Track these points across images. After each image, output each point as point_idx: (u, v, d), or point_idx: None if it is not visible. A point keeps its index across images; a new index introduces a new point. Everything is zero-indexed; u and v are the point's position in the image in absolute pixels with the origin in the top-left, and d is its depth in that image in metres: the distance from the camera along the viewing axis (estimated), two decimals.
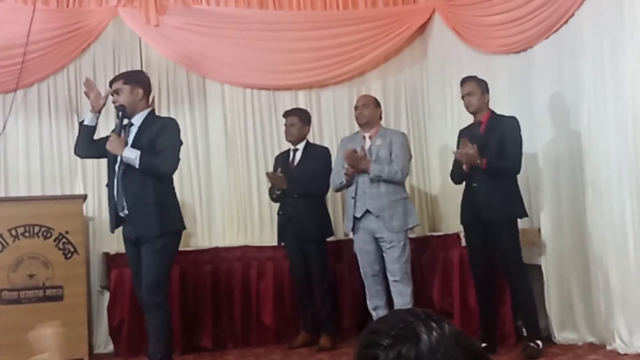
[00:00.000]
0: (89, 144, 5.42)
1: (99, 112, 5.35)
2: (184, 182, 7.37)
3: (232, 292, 6.90)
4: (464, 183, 6.03)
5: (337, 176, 6.39)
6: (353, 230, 6.26)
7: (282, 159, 6.92)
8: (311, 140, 7.47)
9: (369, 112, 6.40)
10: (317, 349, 6.48)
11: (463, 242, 6.25)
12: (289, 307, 6.97)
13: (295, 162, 6.80)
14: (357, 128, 7.59)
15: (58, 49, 7.10)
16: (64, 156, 7.17)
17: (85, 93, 5.42)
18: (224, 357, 6.49)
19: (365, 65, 7.87)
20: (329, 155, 6.86)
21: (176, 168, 5.30)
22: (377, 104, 6.52)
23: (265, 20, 7.67)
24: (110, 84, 5.37)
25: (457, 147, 6.00)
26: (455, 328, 1.37)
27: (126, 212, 5.16)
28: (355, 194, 6.21)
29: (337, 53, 7.79)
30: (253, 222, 7.42)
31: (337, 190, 6.63)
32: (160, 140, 5.16)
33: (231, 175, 7.49)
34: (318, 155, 6.81)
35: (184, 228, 5.43)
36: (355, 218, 6.21)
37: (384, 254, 6.17)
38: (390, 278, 6.14)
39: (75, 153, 5.66)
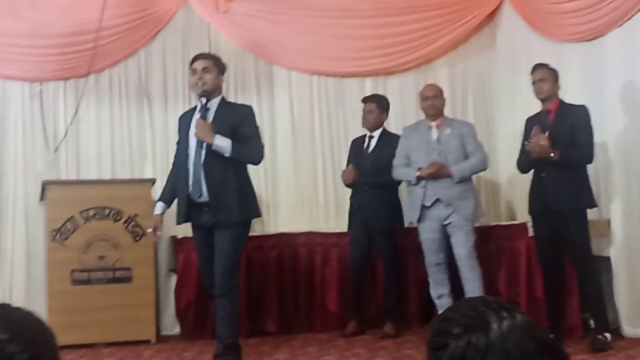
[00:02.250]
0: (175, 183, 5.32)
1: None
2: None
3: (297, 278, 6.94)
4: (531, 172, 5.96)
5: (403, 170, 6.36)
6: (419, 219, 6.24)
7: (357, 145, 6.91)
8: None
9: (439, 103, 6.37)
10: (382, 336, 6.48)
11: (531, 232, 6.18)
12: None
13: (370, 149, 6.78)
14: (423, 116, 7.59)
15: (129, 34, 7.21)
16: (133, 140, 7.29)
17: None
18: (289, 341, 6.53)
19: (432, 53, 7.82)
20: None
21: (263, 157, 5.31)
22: (442, 93, 6.49)
23: (334, 7, 7.67)
24: (196, 58, 5.27)
25: (524, 135, 5.93)
26: (527, 318, 1.37)
27: (205, 198, 5.08)
28: (426, 182, 6.18)
29: (404, 40, 7.75)
30: (318, 208, 7.44)
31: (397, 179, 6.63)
32: (244, 129, 5.14)
33: (297, 161, 7.52)
34: (393, 144, 6.75)
35: (261, 215, 5.46)
36: (423, 207, 6.19)
37: (452, 240, 6.15)
38: (459, 263, 6.12)
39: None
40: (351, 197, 6.83)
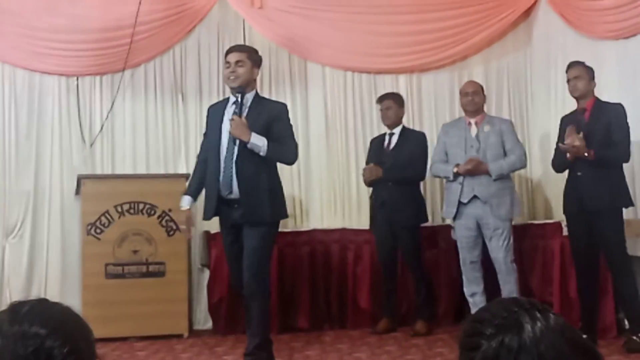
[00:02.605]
0: (204, 176, 5.27)
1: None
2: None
3: (329, 274, 6.95)
4: (566, 171, 5.91)
5: (440, 166, 6.36)
6: (456, 216, 6.22)
7: (377, 143, 6.90)
8: (410, 126, 7.45)
9: (479, 99, 6.35)
10: (413, 334, 6.47)
11: (565, 232, 6.13)
12: None
13: (391, 146, 6.77)
14: (457, 114, 7.55)
15: (165, 30, 7.25)
16: (168, 135, 7.34)
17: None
18: (320, 338, 6.54)
19: (467, 50, 7.78)
20: (426, 141, 6.82)
21: (297, 156, 5.26)
22: (483, 90, 6.48)
23: (369, 3, 7.66)
24: (231, 50, 5.21)
25: (560, 134, 5.88)
26: (560, 319, 1.36)
27: (236, 195, 5.00)
28: (463, 179, 6.16)
29: (439, 37, 7.72)
30: (351, 205, 7.44)
31: (436, 177, 6.63)
32: (279, 127, 5.07)
33: (330, 157, 7.52)
34: (414, 140, 6.76)
35: (288, 216, 5.42)
36: (460, 203, 6.17)
37: (488, 242, 6.13)
38: (496, 266, 6.11)
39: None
40: (372, 195, 6.82)
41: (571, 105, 6.05)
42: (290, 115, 7.32)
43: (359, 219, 7.41)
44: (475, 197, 6.13)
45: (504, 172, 6.15)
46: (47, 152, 7.08)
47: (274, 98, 7.42)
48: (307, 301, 6.87)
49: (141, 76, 7.32)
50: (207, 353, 5.97)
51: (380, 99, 6.92)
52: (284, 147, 5.06)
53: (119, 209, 6.48)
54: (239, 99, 5.04)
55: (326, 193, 7.52)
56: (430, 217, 7.48)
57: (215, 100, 7.26)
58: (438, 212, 7.52)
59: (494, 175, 6.09)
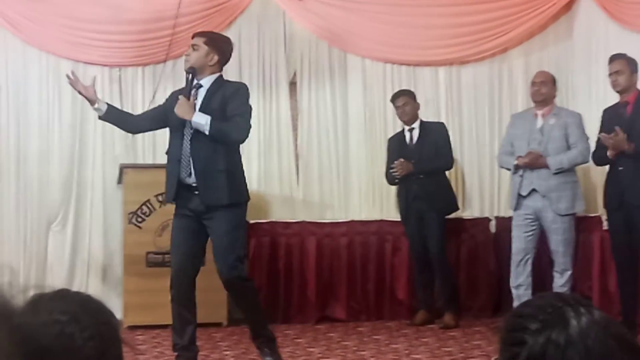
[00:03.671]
0: (129, 121, 5.25)
1: (96, 100, 5.01)
2: (322, 155, 7.49)
3: (367, 266, 6.97)
4: (607, 165, 5.87)
5: (504, 157, 6.33)
6: (515, 207, 6.18)
7: (397, 141, 6.90)
8: (449, 119, 7.45)
9: (546, 90, 6.23)
10: (442, 327, 6.48)
11: (605, 226, 6.09)
12: None
13: (414, 141, 6.77)
14: (497, 107, 7.53)
15: (206, 21, 7.30)
16: None
17: (72, 86, 5.10)
18: (357, 328, 6.57)
19: (507, 43, 7.73)
20: (446, 130, 6.87)
21: (247, 135, 4.94)
22: (554, 81, 6.35)
23: None
24: (193, 36, 5.08)
25: (601, 127, 5.85)
26: (604, 314, 1.36)
27: (193, 179, 4.81)
28: (523, 171, 6.12)
29: (479, 29, 7.69)
30: (390, 196, 7.43)
31: (502, 168, 6.67)
32: (232, 105, 4.85)
33: (369, 149, 7.53)
34: (436, 132, 6.78)
35: (249, 199, 5.16)
36: (519, 196, 6.13)
37: (547, 235, 6.10)
38: (555, 260, 6.09)
39: (131, 133, 5.51)
40: (400, 190, 6.82)
41: (613, 97, 6.01)
42: (330, 107, 7.50)
43: (397, 210, 7.41)
44: (534, 190, 6.07)
45: (564, 167, 6.04)
46: (90, 141, 7.17)
47: (313, 90, 7.51)
48: (344, 292, 6.91)
49: (182, 67, 7.30)
50: (245, 342, 6.01)
51: (396, 97, 6.90)
52: (230, 124, 4.81)
53: (160, 198, 6.55)
54: (188, 81, 4.88)
55: (365, 184, 7.53)
56: (468, 209, 7.50)
57: (254, 91, 7.31)
58: (477, 203, 7.52)
59: (553, 169, 6.01)
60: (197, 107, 4.83)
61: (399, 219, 7.08)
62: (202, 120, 4.73)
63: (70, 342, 1.19)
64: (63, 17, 7.14)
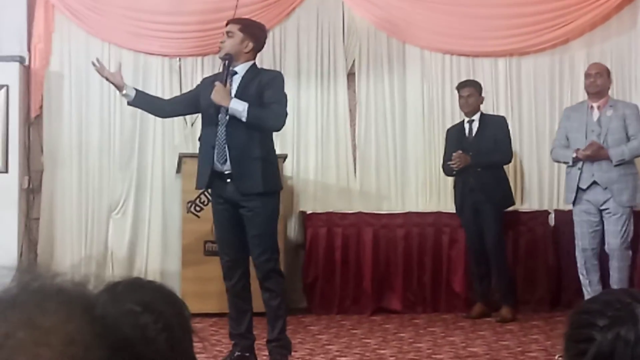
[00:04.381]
0: (159, 105, 5.22)
1: (123, 86, 4.99)
2: (380, 146, 7.47)
3: (423, 257, 6.94)
4: None
5: (560, 151, 6.24)
6: (575, 201, 6.08)
7: (456, 132, 6.85)
8: (509, 111, 7.38)
9: (602, 82, 6.15)
10: (499, 320, 6.43)
11: None
12: None
13: (474, 133, 6.71)
14: (557, 98, 7.43)
15: (265, 12, 7.32)
16: None
17: (99, 73, 5.10)
18: (413, 320, 6.56)
19: (569, 33, 7.61)
20: (507, 124, 6.81)
21: (284, 123, 4.88)
22: (609, 73, 6.28)
23: None
24: (227, 23, 5.01)
25: None
26: None
27: (228, 166, 4.75)
28: (582, 164, 6.02)
29: (540, 20, 7.58)
30: (447, 189, 7.39)
31: (556, 162, 6.59)
32: (268, 93, 4.78)
33: (427, 140, 7.49)
34: (496, 125, 6.72)
35: (282, 188, 5.10)
36: (579, 189, 6.04)
37: (606, 228, 6.00)
38: (609, 252, 5.98)
39: (161, 117, 5.50)
40: (456, 182, 6.79)
41: None
42: (388, 97, 7.47)
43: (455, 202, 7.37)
44: (594, 182, 5.98)
45: (626, 158, 5.96)
46: (150, 131, 7.26)
47: (371, 81, 7.48)
48: (400, 284, 6.89)
49: None
50: (301, 332, 6.06)
51: (462, 86, 6.85)
52: (267, 111, 4.75)
53: None
54: (225, 68, 4.81)
55: (422, 176, 7.49)
56: (527, 202, 7.42)
57: (313, 81, 7.40)
58: (536, 196, 7.43)
59: (615, 160, 5.92)
60: (233, 94, 4.77)
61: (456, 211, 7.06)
62: (239, 107, 4.66)
63: (144, 333, 1.22)
64: (125, 8, 7.25)
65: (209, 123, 4.86)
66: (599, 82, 6.13)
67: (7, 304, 0.80)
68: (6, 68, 6.97)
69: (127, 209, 7.23)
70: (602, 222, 6.03)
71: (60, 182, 7.22)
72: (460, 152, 6.56)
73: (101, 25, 7.26)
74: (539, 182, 7.52)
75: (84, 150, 7.23)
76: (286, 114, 4.85)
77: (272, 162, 4.89)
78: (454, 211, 7.00)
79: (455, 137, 6.80)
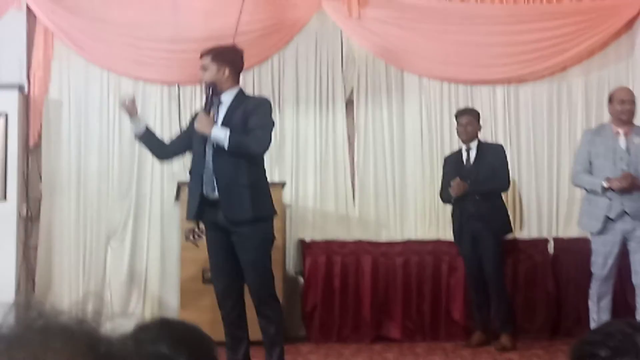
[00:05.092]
0: (162, 148, 5.20)
1: (136, 115, 5.07)
2: (378, 173, 7.48)
3: (423, 285, 6.92)
4: None
5: (586, 178, 5.96)
6: (603, 230, 5.87)
7: (453, 160, 6.84)
8: (507, 138, 7.40)
9: (634, 108, 5.98)
10: (499, 349, 6.39)
11: None
12: None
13: (472, 161, 6.71)
14: (555, 126, 7.44)
15: (263, 40, 7.36)
16: None
17: (125, 108, 5.11)
18: (412, 349, 6.53)
19: (567, 61, 7.65)
20: (504, 152, 6.78)
21: (267, 148, 4.91)
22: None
23: (466, 13, 7.62)
24: (201, 56, 5.04)
25: None
26: None
27: (216, 194, 4.79)
28: (611, 193, 5.81)
29: (538, 48, 7.62)
30: (446, 216, 7.37)
31: (578, 187, 6.32)
32: (252, 120, 4.80)
33: (426, 168, 7.49)
34: (494, 153, 6.71)
35: (276, 213, 5.09)
36: (607, 218, 5.83)
37: (632, 255, 5.84)
38: (635, 281, 5.84)
39: (161, 159, 5.48)
40: (454, 210, 6.76)
41: None
42: (386, 125, 7.49)
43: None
44: (624, 212, 5.79)
45: None
46: (149, 158, 7.21)
47: (369, 108, 7.51)
48: (400, 312, 6.87)
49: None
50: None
51: (461, 114, 6.84)
52: (249, 137, 4.77)
53: None
54: (207, 96, 4.87)
55: (421, 204, 7.49)
56: (525, 230, 7.42)
57: (312, 109, 7.42)
58: (535, 224, 7.43)
59: None
60: (219, 122, 4.81)
61: None
62: (221, 134, 4.72)
63: None
64: (125, 36, 7.28)
65: (198, 153, 4.91)
66: (633, 109, 5.97)
67: (13, 342, 0.79)
68: (5, 96, 6.99)
69: (125, 237, 7.22)
70: (622, 250, 5.88)
71: (59, 210, 7.21)
72: (458, 179, 6.56)
73: (100, 52, 7.29)
74: (538, 210, 7.52)
75: (83, 178, 7.23)
76: (270, 139, 4.89)
77: (261, 189, 4.92)
78: (453, 239, 7.00)
79: (453, 164, 6.80)
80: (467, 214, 6.58)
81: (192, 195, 4.93)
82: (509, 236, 6.86)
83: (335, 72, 7.54)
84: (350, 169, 7.51)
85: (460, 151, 6.84)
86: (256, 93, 7.39)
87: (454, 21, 7.61)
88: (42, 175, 7.23)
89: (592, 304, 5.98)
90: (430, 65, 7.63)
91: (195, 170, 4.90)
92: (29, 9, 7.20)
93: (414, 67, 7.64)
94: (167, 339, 1.35)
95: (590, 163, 5.98)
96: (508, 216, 6.81)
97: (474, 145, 6.74)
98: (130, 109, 5.04)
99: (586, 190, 6.04)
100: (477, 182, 6.55)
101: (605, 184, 5.80)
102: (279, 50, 7.50)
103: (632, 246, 5.85)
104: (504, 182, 6.69)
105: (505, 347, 6.39)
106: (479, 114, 6.90)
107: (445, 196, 6.78)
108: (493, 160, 6.66)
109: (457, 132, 6.83)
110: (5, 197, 6.96)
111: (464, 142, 6.78)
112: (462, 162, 6.75)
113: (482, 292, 6.63)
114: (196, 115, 5.08)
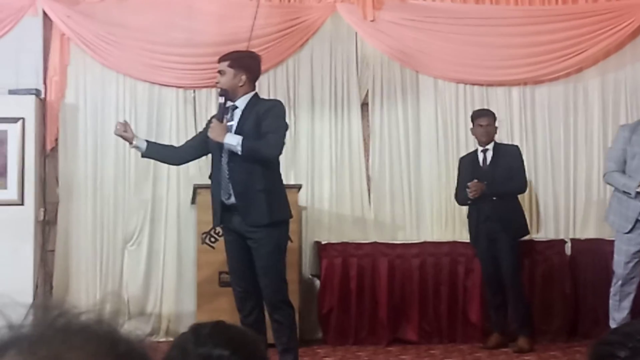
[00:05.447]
0: (171, 154, 5.34)
1: (133, 137, 5.10)
2: (394, 175, 7.47)
3: (439, 287, 6.91)
4: None
5: (621, 179, 5.85)
6: (631, 230, 5.80)
7: (469, 161, 6.82)
8: (523, 140, 7.38)
9: None
10: (516, 350, 6.37)
11: None
12: None
13: (488, 162, 6.69)
14: (572, 127, 7.42)
15: (279, 43, 7.38)
16: None
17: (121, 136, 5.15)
18: (429, 351, 6.52)
19: (583, 62, 7.62)
20: (521, 154, 6.78)
21: (280, 152, 4.95)
22: None
23: (481, 15, 7.62)
24: (219, 60, 5.09)
25: None
26: None
27: (233, 200, 4.85)
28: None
29: (553, 49, 7.60)
30: (462, 218, 7.36)
31: (610, 185, 6.19)
32: (265, 123, 4.84)
33: (442, 170, 7.48)
34: (511, 155, 6.70)
35: (292, 216, 5.15)
36: (637, 220, 5.75)
37: None
38: None
39: (174, 164, 5.62)
40: (470, 212, 6.74)
41: None
42: (402, 127, 7.48)
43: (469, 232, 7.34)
44: None
45: None
46: None
47: (385, 110, 7.50)
48: (416, 314, 6.85)
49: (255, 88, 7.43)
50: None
51: (481, 115, 6.82)
52: (261, 142, 4.80)
53: None
54: (221, 104, 4.92)
55: (437, 206, 7.48)
56: (542, 231, 7.39)
57: (327, 111, 7.42)
58: (552, 225, 7.41)
59: None
60: (233, 128, 4.86)
61: None
62: (233, 141, 4.76)
63: None
64: (140, 40, 7.31)
65: (216, 160, 4.97)
66: None
67: (35, 340, 0.80)
68: (22, 101, 7.03)
69: (142, 241, 7.24)
70: None
71: (76, 214, 7.24)
72: (476, 181, 6.54)
73: (116, 57, 7.32)
74: (555, 211, 7.49)
75: (99, 182, 7.26)
76: (283, 142, 4.94)
77: (278, 193, 4.96)
78: (469, 240, 6.99)
79: (468, 166, 6.78)
80: (484, 215, 6.57)
81: (215, 202, 5.00)
82: (526, 237, 6.83)
83: (350, 74, 7.54)
84: (366, 171, 7.51)
85: (475, 152, 6.82)
86: (272, 96, 7.39)
87: (469, 23, 7.60)
88: (59, 180, 7.27)
89: (612, 303, 5.93)
90: (446, 67, 7.61)
91: (215, 177, 4.98)
92: (45, 15, 7.24)
93: (429, 69, 7.63)
94: (222, 340, 1.38)
95: (625, 162, 5.86)
96: (525, 218, 6.79)
97: (490, 146, 6.72)
98: (126, 135, 5.08)
99: (615, 188, 5.97)
100: (494, 183, 6.53)
101: (632, 193, 5.73)
102: (294, 54, 7.51)
103: None
104: (521, 183, 6.68)
105: (523, 349, 6.37)
106: (494, 114, 6.88)
107: (460, 198, 6.77)
108: (510, 161, 6.64)
109: (476, 133, 6.80)
110: (22, 202, 6.99)
111: (483, 143, 6.75)
112: (479, 163, 6.73)
113: (499, 294, 6.62)
114: (209, 121, 5.11)
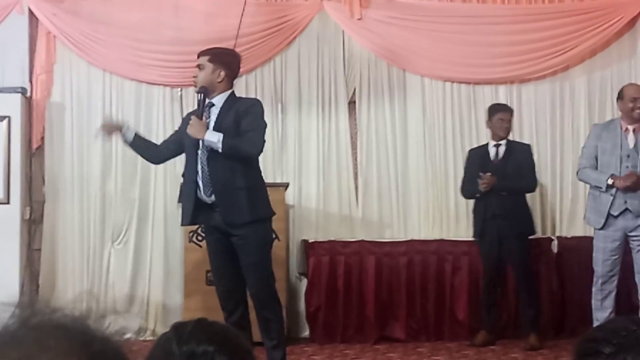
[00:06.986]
0: (154, 152, 5.26)
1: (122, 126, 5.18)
2: (381, 173, 7.47)
3: (426, 285, 6.91)
4: None
5: (592, 174, 5.95)
6: (603, 227, 5.88)
7: (479, 155, 6.81)
8: (510, 137, 7.37)
9: None
10: (528, 348, 6.36)
11: None
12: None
13: (500, 157, 6.69)
14: (558, 125, 7.44)
15: (266, 41, 7.37)
16: (267, 145, 7.28)
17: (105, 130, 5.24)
18: (416, 349, 6.52)
19: (569, 60, 7.64)
20: (532, 152, 6.81)
21: (261, 150, 4.92)
22: None
23: (468, 13, 7.63)
24: (198, 55, 5.02)
25: None
26: None
27: (213, 198, 4.79)
28: (615, 190, 5.81)
29: (540, 47, 7.61)
30: (449, 216, 7.39)
31: (583, 182, 6.32)
32: (245, 121, 4.81)
33: (428, 168, 7.49)
34: (522, 152, 6.72)
35: (274, 214, 5.09)
36: (609, 215, 5.82)
37: (635, 254, 5.86)
38: (639, 280, 5.85)
39: (153, 162, 5.57)
40: (478, 206, 6.72)
41: None
42: (389, 125, 7.48)
43: (457, 229, 7.35)
44: (626, 209, 5.81)
45: None
46: None
47: (372, 109, 7.50)
48: (404, 312, 6.86)
49: (242, 87, 7.41)
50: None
51: (501, 110, 6.80)
52: (242, 140, 4.78)
53: None
54: (200, 101, 4.86)
55: (424, 204, 7.48)
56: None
57: (314, 110, 7.42)
58: (538, 223, 7.42)
59: None
60: (211, 126, 4.81)
61: (459, 238, 7.03)
62: (214, 139, 4.71)
63: None
64: (126, 38, 7.29)
65: (190, 158, 4.91)
66: None
67: (7, 340, 0.79)
68: (8, 99, 7.00)
69: (128, 239, 7.22)
70: (623, 248, 5.89)
71: (62, 213, 7.22)
72: (489, 174, 6.50)
73: (102, 55, 7.30)
74: (542, 209, 7.51)
75: (86, 180, 7.23)
76: (263, 141, 4.90)
77: (258, 190, 4.92)
78: (457, 238, 7.00)
79: (478, 159, 6.75)
80: (492, 211, 6.54)
81: (186, 199, 4.95)
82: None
83: (337, 73, 7.53)
84: (353, 169, 7.51)
85: (485, 146, 6.82)
86: (258, 94, 7.40)
87: (456, 21, 7.60)
88: (45, 178, 7.24)
89: (595, 303, 5.97)
90: (433, 65, 7.62)
91: (188, 175, 4.92)
92: (31, 13, 7.21)
93: (416, 67, 7.63)
94: (206, 336, 1.37)
95: (596, 158, 5.96)
96: (532, 217, 6.78)
97: (503, 142, 6.72)
98: (111, 129, 5.14)
99: (590, 185, 6.04)
100: (505, 178, 6.52)
101: (609, 182, 5.79)
102: (281, 52, 7.50)
103: (634, 245, 5.85)
104: (532, 182, 6.70)
105: (535, 347, 6.34)
106: (512, 110, 6.94)
107: (467, 191, 6.75)
108: (521, 159, 6.65)
109: (494, 127, 6.74)
110: (8, 201, 6.97)
111: (500, 138, 6.72)
112: (490, 157, 6.71)
113: (494, 293, 6.63)
114: (185, 118, 5.09)
